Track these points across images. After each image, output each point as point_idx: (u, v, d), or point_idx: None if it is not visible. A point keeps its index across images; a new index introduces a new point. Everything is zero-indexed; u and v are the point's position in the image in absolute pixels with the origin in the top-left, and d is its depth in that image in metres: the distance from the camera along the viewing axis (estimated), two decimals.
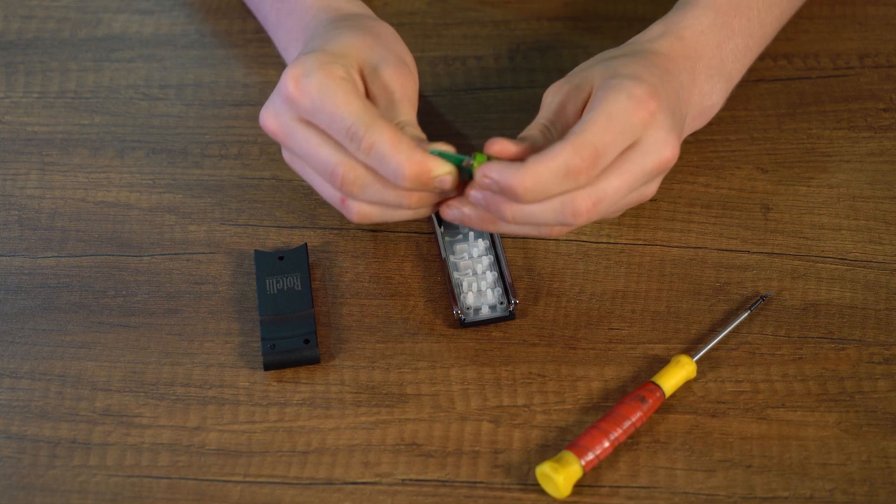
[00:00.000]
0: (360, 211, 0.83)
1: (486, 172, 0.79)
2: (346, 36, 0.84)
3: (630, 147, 0.80)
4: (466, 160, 0.80)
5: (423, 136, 0.83)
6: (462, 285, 0.86)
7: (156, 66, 1.01)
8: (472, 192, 0.80)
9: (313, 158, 0.82)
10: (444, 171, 0.80)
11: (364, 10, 0.91)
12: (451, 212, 0.82)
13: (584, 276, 0.87)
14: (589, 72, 0.83)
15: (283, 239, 0.91)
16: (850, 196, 0.91)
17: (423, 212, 0.83)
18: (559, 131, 0.83)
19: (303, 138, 0.82)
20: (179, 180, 0.94)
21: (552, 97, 0.84)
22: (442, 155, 0.80)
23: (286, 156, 0.85)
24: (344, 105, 0.79)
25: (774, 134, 0.95)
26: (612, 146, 0.79)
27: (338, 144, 0.81)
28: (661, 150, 0.81)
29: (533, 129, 0.83)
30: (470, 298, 0.86)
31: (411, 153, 0.79)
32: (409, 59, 0.87)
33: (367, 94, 0.84)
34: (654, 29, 0.88)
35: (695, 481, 0.78)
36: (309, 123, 0.81)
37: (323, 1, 0.90)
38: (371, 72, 0.84)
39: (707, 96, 0.88)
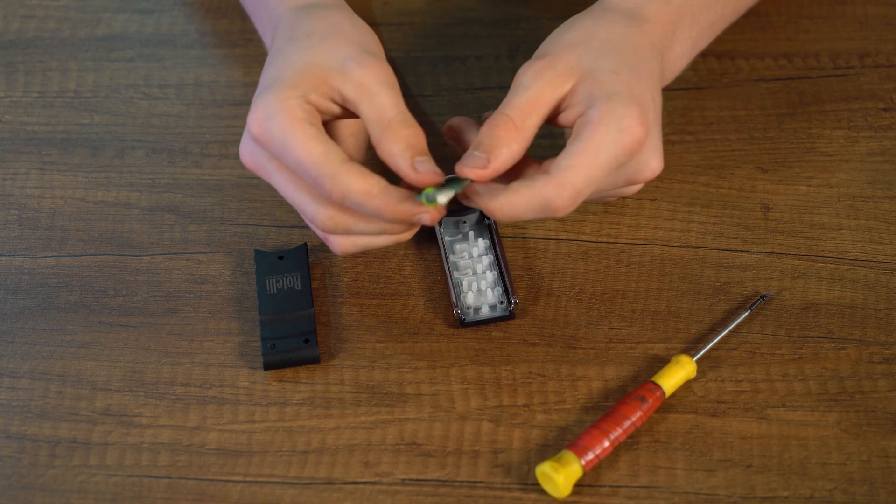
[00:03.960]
0: (344, 245, 0.83)
1: (469, 195, 0.80)
2: (302, 52, 0.82)
3: None
4: (451, 190, 0.80)
5: (415, 125, 0.80)
6: (462, 285, 0.86)
7: (156, 65, 1.01)
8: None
9: (292, 201, 0.81)
10: (421, 211, 0.79)
11: None
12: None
13: (584, 275, 0.87)
14: (578, 65, 0.81)
15: (283, 239, 0.91)
16: (850, 196, 0.91)
17: (407, 235, 0.83)
18: (530, 124, 0.80)
19: (280, 180, 0.81)
20: (179, 180, 0.94)
21: (527, 81, 0.81)
22: (431, 191, 0.79)
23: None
24: (306, 155, 0.78)
25: (774, 134, 0.95)
26: (594, 181, 0.79)
27: (312, 188, 0.80)
28: (643, 169, 0.82)
29: (499, 128, 0.80)
30: (470, 298, 0.86)
31: (386, 198, 0.78)
32: (372, 43, 0.84)
33: (344, 101, 0.81)
34: None
35: (695, 481, 0.78)
36: (282, 164, 0.81)
37: None
38: (339, 75, 0.80)
39: (678, 61, 0.88)
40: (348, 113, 0.82)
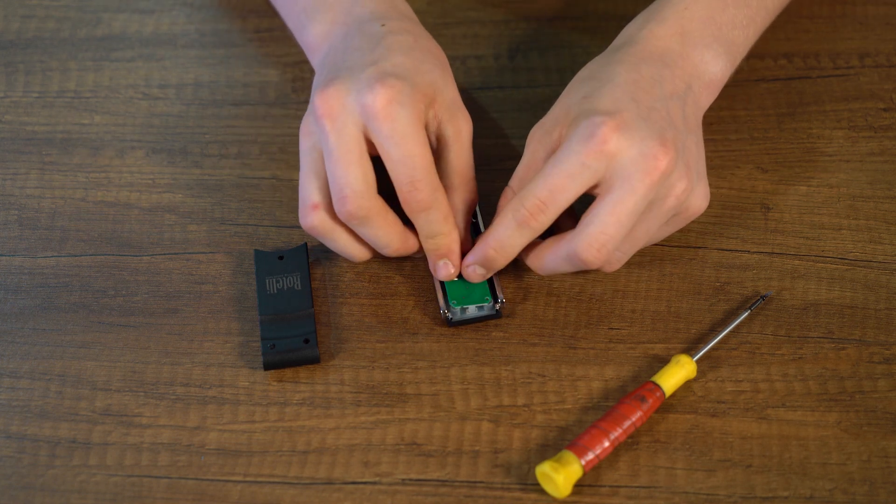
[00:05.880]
0: (317, 225, 0.84)
1: (466, 263, 0.84)
2: (429, 64, 0.84)
3: (611, 181, 0.80)
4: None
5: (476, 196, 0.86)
6: (448, 284, 0.86)
7: (156, 65, 1.01)
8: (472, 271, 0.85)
9: (343, 162, 0.81)
10: (449, 262, 0.85)
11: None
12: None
13: (584, 275, 0.87)
14: (560, 112, 0.84)
15: (283, 239, 0.91)
16: (850, 196, 0.91)
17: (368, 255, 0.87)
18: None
19: (350, 142, 0.81)
20: (179, 180, 0.94)
21: (528, 143, 0.85)
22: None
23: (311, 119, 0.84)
24: (422, 156, 0.81)
25: (774, 134, 0.95)
26: (560, 190, 0.80)
27: (369, 172, 0.81)
28: (644, 165, 0.79)
29: (503, 199, 0.85)
30: None
31: (452, 228, 0.83)
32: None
33: (434, 134, 0.85)
34: (636, 22, 0.88)
35: (695, 481, 0.78)
36: (365, 137, 0.81)
37: None
38: (447, 112, 0.84)
39: (711, 63, 0.87)
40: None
